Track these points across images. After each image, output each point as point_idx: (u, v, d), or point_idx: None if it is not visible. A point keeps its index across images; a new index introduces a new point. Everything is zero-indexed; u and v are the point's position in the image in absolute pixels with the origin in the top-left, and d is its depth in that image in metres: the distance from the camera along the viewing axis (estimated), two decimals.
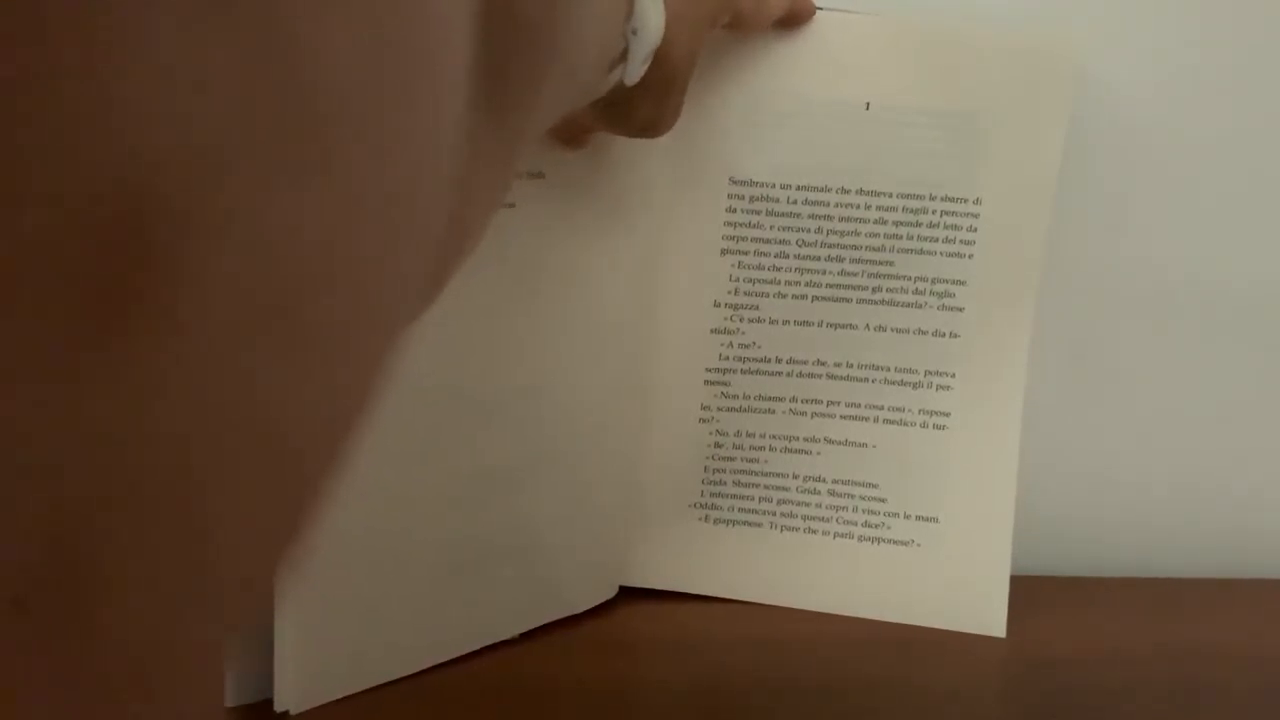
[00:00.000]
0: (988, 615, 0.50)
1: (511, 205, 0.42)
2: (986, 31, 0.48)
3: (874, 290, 0.49)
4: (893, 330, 0.49)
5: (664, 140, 0.41)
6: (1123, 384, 0.57)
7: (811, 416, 0.50)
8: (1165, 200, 0.55)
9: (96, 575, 0.10)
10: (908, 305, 0.49)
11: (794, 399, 0.50)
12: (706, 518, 0.51)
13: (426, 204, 0.15)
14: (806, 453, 0.51)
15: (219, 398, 0.11)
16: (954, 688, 0.46)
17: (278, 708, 0.40)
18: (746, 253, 0.49)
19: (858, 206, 0.48)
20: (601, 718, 0.43)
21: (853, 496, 0.51)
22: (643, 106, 0.37)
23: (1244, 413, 0.57)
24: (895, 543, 0.51)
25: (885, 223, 0.48)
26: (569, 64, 0.28)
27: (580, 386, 0.46)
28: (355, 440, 0.14)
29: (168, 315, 0.10)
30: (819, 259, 0.49)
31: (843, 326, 0.49)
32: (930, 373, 0.50)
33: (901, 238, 0.48)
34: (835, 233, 0.48)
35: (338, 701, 0.41)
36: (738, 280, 0.49)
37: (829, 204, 0.48)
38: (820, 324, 0.49)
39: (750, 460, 0.51)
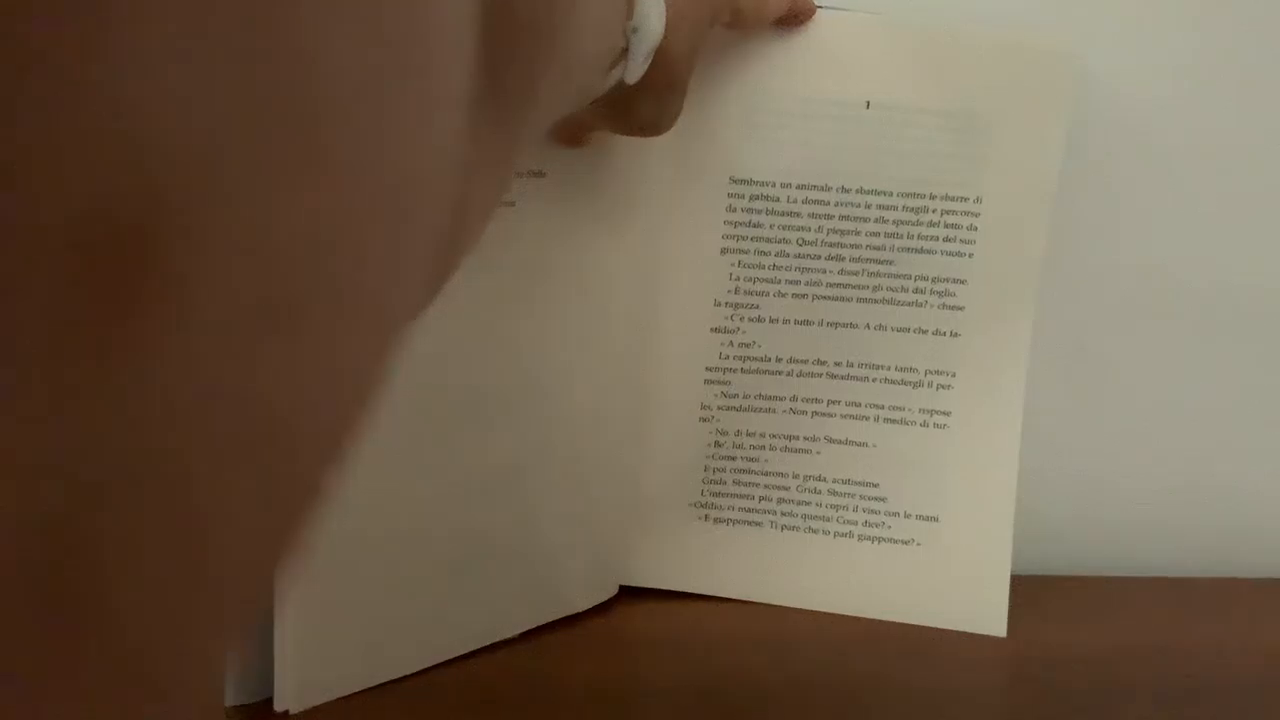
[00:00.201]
0: (988, 614, 0.50)
1: (512, 204, 0.42)
2: (987, 30, 0.48)
3: (874, 289, 0.49)
4: (893, 329, 0.49)
5: (664, 139, 0.41)
6: (1123, 383, 0.57)
7: (812, 416, 0.50)
8: (1166, 199, 0.55)
9: (95, 574, 0.10)
10: (908, 304, 0.49)
11: (794, 398, 0.50)
12: (707, 517, 0.52)
13: (427, 202, 0.15)
14: (807, 452, 0.51)
15: (219, 396, 0.11)
16: (954, 687, 0.46)
17: (278, 707, 0.40)
18: (747, 252, 0.49)
19: (858, 205, 0.48)
20: (602, 717, 0.43)
21: (853, 496, 0.51)
22: (643, 105, 0.37)
23: (1244, 411, 0.57)
24: (895, 542, 0.51)
25: (886, 222, 0.48)
26: (569, 63, 0.28)
27: (580, 385, 0.46)
28: (356, 439, 0.14)
29: (167, 314, 0.10)
30: (819, 258, 0.49)
31: (843, 325, 0.49)
32: (930, 372, 0.50)
33: (902, 237, 0.48)
34: (835, 232, 0.48)
35: (338, 701, 0.41)
36: (738, 279, 0.49)
37: (829, 203, 0.48)
38: (820, 323, 0.49)
39: (750, 459, 0.51)
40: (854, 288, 0.49)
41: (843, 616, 0.51)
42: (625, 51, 0.33)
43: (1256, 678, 0.47)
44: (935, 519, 0.51)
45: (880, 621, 0.50)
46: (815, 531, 0.51)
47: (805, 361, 0.50)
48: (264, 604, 0.37)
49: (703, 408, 0.50)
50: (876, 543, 0.51)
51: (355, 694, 0.42)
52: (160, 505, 0.11)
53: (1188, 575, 0.56)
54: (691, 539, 0.51)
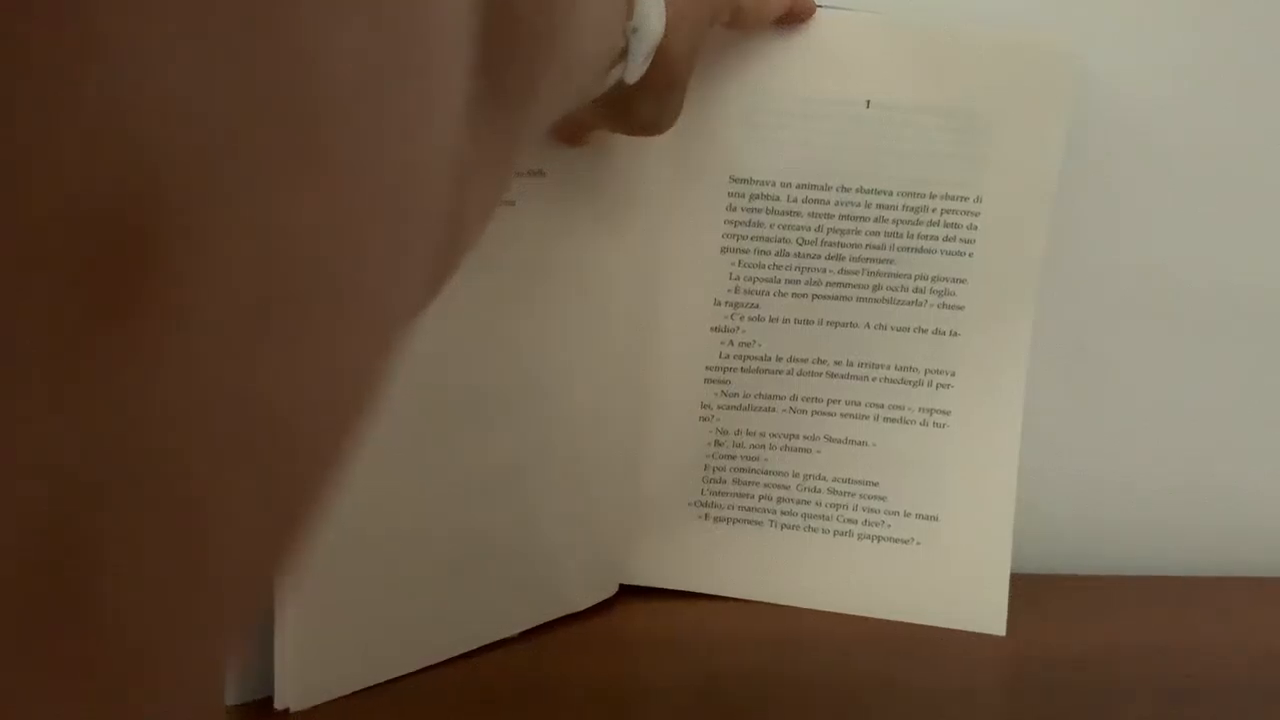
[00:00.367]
0: (988, 613, 0.50)
1: (512, 203, 0.42)
2: (987, 30, 0.48)
3: (874, 288, 0.49)
4: (893, 328, 0.49)
5: (664, 138, 0.41)
6: (1123, 382, 0.57)
7: (812, 415, 0.50)
8: (1166, 199, 0.55)
9: (95, 574, 0.10)
10: (908, 303, 0.49)
11: (794, 397, 0.50)
12: (706, 516, 0.52)
13: (427, 201, 0.15)
14: (807, 451, 0.51)
15: (219, 394, 0.11)
16: (954, 686, 0.46)
17: (278, 705, 0.40)
18: (747, 251, 0.49)
19: (858, 205, 0.48)
20: (602, 716, 0.43)
21: (853, 495, 0.51)
22: (643, 105, 0.37)
23: (1244, 411, 0.57)
24: (895, 541, 0.51)
25: (885, 221, 0.48)
26: (569, 62, 0.28)
27: (580, 384, 0.46)
28: (357, 438, 0.14)
29: (167, 312, 0.10)
30: (819, 257, 0.49)
31: (843, 325, 0.49)
32: (930, 371, 0.50)
33: (902, 236, 0.48)
34: (835, 231, 0.48)
35: (338, 700, 0.41)
36: (738, 278, 0.49)
37: (829, 202, 0.48)
38: (820, 322, 0.49)
39: (750, 458, 0.51)
40: (854, 287, 0.49)
41: (843, 615, 0.51)
42: (625, 51, 0.33)
43: (1256, 678, 0.47)
44: (935, 518, 0.51)
45: (880, 620, 0.50)
46: (815, 530, 0.51)
47: (805, 360, 0.50)
48: (265, 604, 0.37)
49: (703, 407, 0.50)
50: (876, 542, 0.51)
51: (355, 693, 0.42)
52: (160, 505, 0.11)
53: (1188, 575, 0.56)
54: (691, 538, 0.51)
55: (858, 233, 0.48)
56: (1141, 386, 0.57)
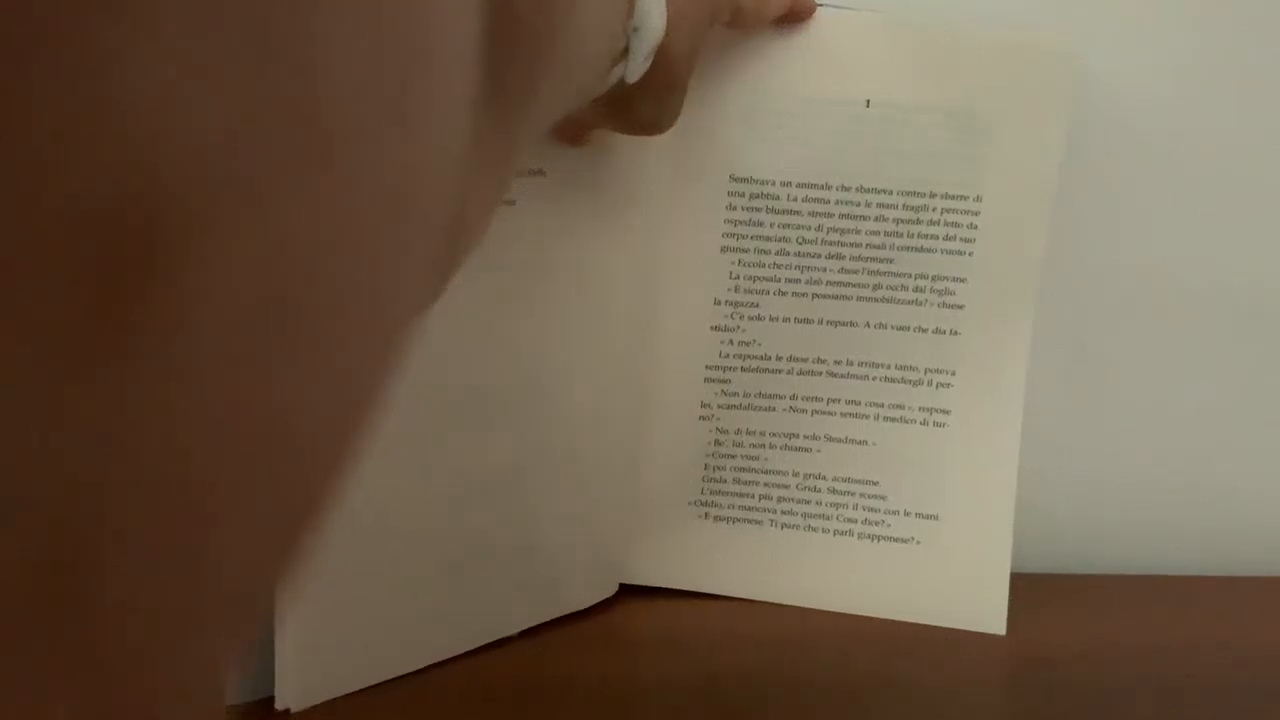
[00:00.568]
0: (988, 613, 0.50)
1: (512, 203, 0.42)
2: (987, 30, 0.48)
3: (874, 288, 0.49)
4: (893, 327, 0.49)
5: (665, 138, 0.41)
6: (1123, 381, 0.57)
7: (811, 414, 0.50)
8: (1166, 199, 0.55)
9: (96, 574, 0.10)
10: (908, 303, 0.49)
11: (794, 396, 0.50)
12: (706, 515, 0.52)
13: (430, 202, 0.15)
14: (807, 450, 0.51)
15: (223, 399, 0.11)
16: (954, 685, 0.46)
17: (279, 705, 0.40)
18: (747, 250, 0.49)
19: (858, 204, 0.48)
20: (602, 715, 0.43)
21: (853, 494, 0.51)
22: (644, 104, 0.37)
23: (1244, 410, 0.57)
24: (895, 540, 0.51)
25: (885, 220, 0.48)
26: (569, 62, 0.28)
27: (580, 384, 0.46)
28: (363, 440, 0.14)
29: (171, 316, 0.10)
30: (819, 256, 0.49)
31: (843, 324, 0.49)
32: (930, 370, 0.50)
33: (902, 235, 0.48)
34: (835, 230, 0.48)
35: (338, 699, 0.41)
36: (738, 278, 0.49)
37: (829, 201, 0.48)
38: (820, 321, 0.49)
39: (750, 458, 0.51)
40: (854, 286, 0.49)
41: (843, 615, 0.51)
42: (626, 50, 0.33)
43: (1256, 678, 0.47)
44: (935, 517, 0.51)
45: (880, 620, 0.50)
46: (815, 530, 0.51)
47: (805, 360, 0.50)
48: (268, 607, 0.37)
49: (703, 406, 0.50)
50: (876, 541, 0.51)
51: (356, 692, 0.42)
52: (162, 507, 0.11)
53: (1188, 575, 0.56)
54: (691, 537, 0.51)
55: (858, 232, 0.48)
56: (1141, 386, 0.57)
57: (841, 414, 0.50)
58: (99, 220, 0.09)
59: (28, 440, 0.09)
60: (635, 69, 0.34)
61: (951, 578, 0.50)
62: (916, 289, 0.49)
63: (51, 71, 0.09)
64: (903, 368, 0.50)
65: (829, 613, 0.51)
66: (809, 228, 0.48)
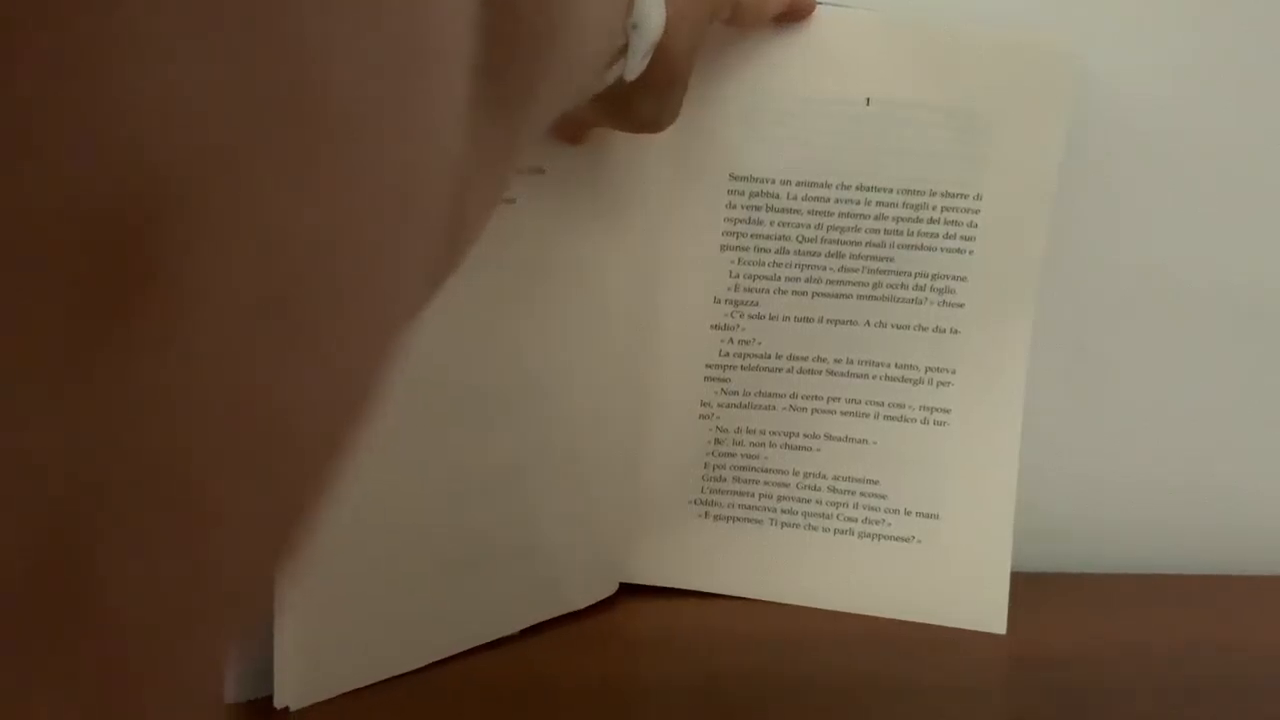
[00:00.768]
0: (988, 612, 0.50)
1: (512, 201, 0.42)
2: (987, 28, 0.48)
3: (874, 286, 0.49)
4: (893, 326, 0.49)
5: (664, 136, 0.41)
6: (1123, 380, 0.57)
7: (811, 413, 0.50)
8: (1166, 199, 0.55)
9: (96, 571, 0.10)
10: (908, 301, 0.49)
11: (794, 395, 0.50)
12: (706, 514, 0.52)
13: (427, 200, 0.15)
14: (807, 449, 0.51)
15: (220, 395, 0.11)
16: (954, 684, 0.46)
17: (278, 704, 0.40)
18: (746, 249, 0.49)
19: (858, 202, 0.48)
20: (601, 714, 0.43)
21: (853, 493, 0.51)
22: (643, 102, 0.37)
23: (1244, 409, 0.57)
24: (895, 539, 0.51)
25: (885, 219, 0.48)
26: (569, 59, 0.28)
27: (580, 382, 0.46)
28: (358, 437, 0.14)
29: (170, 314, 0.10)
30: (819, 255, 0.49)
31: (843, 322, 0.49)
32: (930, 369, 0.50)
33: (902, 234, 0.48)
34: (835, 229, 0.48)
35: (337, 698, 0.41)
36: (738, 276, 0.49)
37: (829, 200, 0.48)
38: (820, 320, 0.49)
39: (750, 457, 0.51)
40: (854, 285, 0.49)
41: (843, 614, 0.51)
42: (625, 48, 0.33)
43: (1256, 676, 0.47)
44: (935, 516, 0.51)
45: (880, 619, 0.50)
46: (815, 529, 0.51)
47: (805, 358, 0.50)
48: (266, 603, 0.37)
49: (702, 405, 0.50)
50: (876, 540, 0.51)
51: (355, 691, 0.42)
52: (160, 503, 0.11)
53: (1188, 574, 0.56)
54: (691, 536, 0.51)
55: (858, 230, 0.48)
56: (1141, 386, 0.57)
57: (841, 413, 0.50)
58: (98, 220, 0.09)
59: (27, 437, 0.09)
60: (634, 67, 0.34)
61: (952, 577, 0.50)
62: (916, 287, 0.49)
63: (50, 70, 0.09)
64: (903, 366, 0.50)
65: (829, 612, 0.51)
66: (809, 226, 0.48)
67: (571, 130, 0.42)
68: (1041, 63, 0.48)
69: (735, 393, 0.50)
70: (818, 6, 0.47)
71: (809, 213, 0.48)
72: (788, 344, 0.50)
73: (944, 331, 0.49)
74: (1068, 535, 0.57)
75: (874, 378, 0.50)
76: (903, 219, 0.48)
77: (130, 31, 0.09)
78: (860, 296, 0.49)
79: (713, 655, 0.47)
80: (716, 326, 0.50)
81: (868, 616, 0.51)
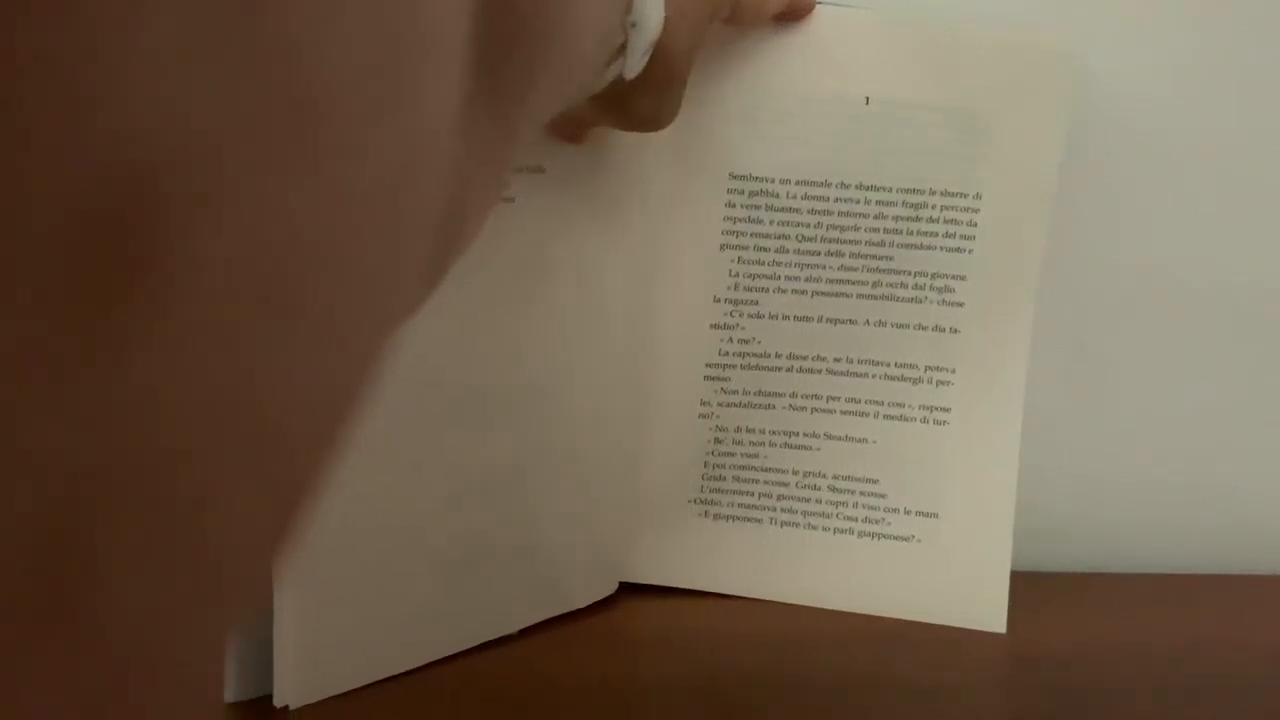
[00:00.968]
0: (988, 611, 0.50)
1: (510, 200, 0.42)
2: (987, 28, 0.48)
3: (874, 285, 0.49)
4: (893, 325, 0.49)
5: (664, 135, 0.41)
6: (1124, 380, 0.57)
7: (811, 412, 0.50)
8: (1166, 199, 0.55)
9: (92, 567, 0.10)
10: (908, 300, 0.49)
11: (794, 394, 0.50)
12: (706, 513, 0.52)
13: (421, 196, 0.15)
14: (806, 448, 0.51)
15: (212, 387, 0.11)
16: (954, 684, 0.46)
17: (277, 703, 0.40)
18: (746, 248, 0.49)
19: (857, 202, 0.48)
20: (601, 713, 0.43)
21: (853, 492, 0.51)
22: (642, 100, 0.37)
23: (1244, 409, 0.57)
24: (895, 538, 0.51)
25: (885, 218, 0.48)
26: (567, 57, 0.28)
27: (579, 382, 0.46)
28: (350, 431, 0.14)
29: (159, 306, 0.10)
30: (819, 254, 0.49)
31: (843, 322, 0.49)
32: (930, 368, 0.50)
33: (901, 233, 0.48)
34: (835, 228, 0.48)
35: (337, 697, 0.41)
36: (737, 275, 0.49)
37: (829, 199, 0.48)
38: (820, 319, 0.49)
39: (750, 456, 0.51)
40: (853, 284, 0.49)
41: (842, 613, 0.51)
42: (624, 46, 0.33)
43: (1256, 676, 0.47)
44: (935, 515, 0.51)
45: (880, 618, 0.50)
46: (815, 528, 0.51)
47: (805, 358, 0.50)
48: (263, 599, 0.37)
49: (702, 404, 0.50)
50: (876, 539, 0.51)
51: (354, 690, 0.42)
52: (156, 498, 0.11)
53: (1188, 573, 0.56)
54: (691, 535, 0.51)
55: (857, 229, 0.48)
56: (1141, 386, 0.57)
57: (841, 412, 0.50)
58: (89, 216, 0.09)
59: (22, 435, 0.09)
60: (633, 65, 0.34)
61: (951, 576, 0.50)
62: (916, 287, 0.49)
63: (41, 66, 0.09)
64: (902, 365, 0.50)
65: (829, 611, 0.51)
66: (808, 225, 0.48)
67: (571, 129, 0.42)
68: (1041, 63, 0.48)
69: (735, 392, 0.50)
70: (817, 6, 0.47)
71: (809, 212, 0.48)
72: (787, 343, 0.50)
73: (944, 331, 0.49)
74: (1068, 535, 0.57)
75: (874, 377, 0.50)
76: (902, 218, 0.48)
77: (122, 26, 0.09)
78: (860, 295, 0.49)
79: (713, 654, 0.47)
80: (716, 326, 0.50)
81: (867, 616, 0.50)
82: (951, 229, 0.48)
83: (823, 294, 0.49)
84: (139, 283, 0.10)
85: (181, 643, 0.12)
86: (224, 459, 0.12)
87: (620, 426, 0.49)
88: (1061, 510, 0.57)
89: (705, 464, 0.51)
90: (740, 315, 0.49)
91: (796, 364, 0.50)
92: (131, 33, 0.09)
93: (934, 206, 0.48)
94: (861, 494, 0.51)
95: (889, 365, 0.50)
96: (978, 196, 0.48)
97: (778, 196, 0.48)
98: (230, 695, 0.41)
